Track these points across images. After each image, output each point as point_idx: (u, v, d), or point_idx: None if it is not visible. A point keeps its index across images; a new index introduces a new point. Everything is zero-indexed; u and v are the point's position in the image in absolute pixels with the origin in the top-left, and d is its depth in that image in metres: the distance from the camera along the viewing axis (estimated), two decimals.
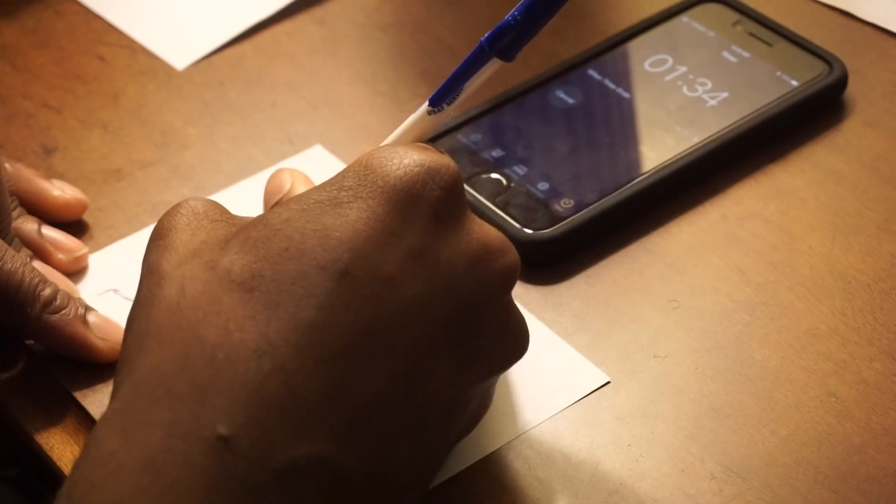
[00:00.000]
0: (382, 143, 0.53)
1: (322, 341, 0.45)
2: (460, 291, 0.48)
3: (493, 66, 0.52)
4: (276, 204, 0.50)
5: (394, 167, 0.48)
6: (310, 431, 0.45)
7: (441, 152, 0.51)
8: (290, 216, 0.47)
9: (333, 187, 0.48)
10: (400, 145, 0.50)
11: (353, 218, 0.47)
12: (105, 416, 0.45)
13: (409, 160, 0.48)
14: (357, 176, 0.48)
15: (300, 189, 0.55)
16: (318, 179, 0.66)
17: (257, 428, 0.44)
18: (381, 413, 0.47)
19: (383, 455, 0.47)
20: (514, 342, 0.51)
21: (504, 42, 0.51)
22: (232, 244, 0.47)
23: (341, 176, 0.49)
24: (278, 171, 0.57)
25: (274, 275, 0.46)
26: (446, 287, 0.48)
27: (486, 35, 0.51)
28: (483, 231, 0.50)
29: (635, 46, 0.70)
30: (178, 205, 0.50)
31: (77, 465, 0.45)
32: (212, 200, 0.51)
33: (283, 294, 0.46)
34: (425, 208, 0.48)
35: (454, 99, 0.52)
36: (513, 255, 0.50)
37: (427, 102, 0.52)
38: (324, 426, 0.45)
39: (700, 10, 0.71)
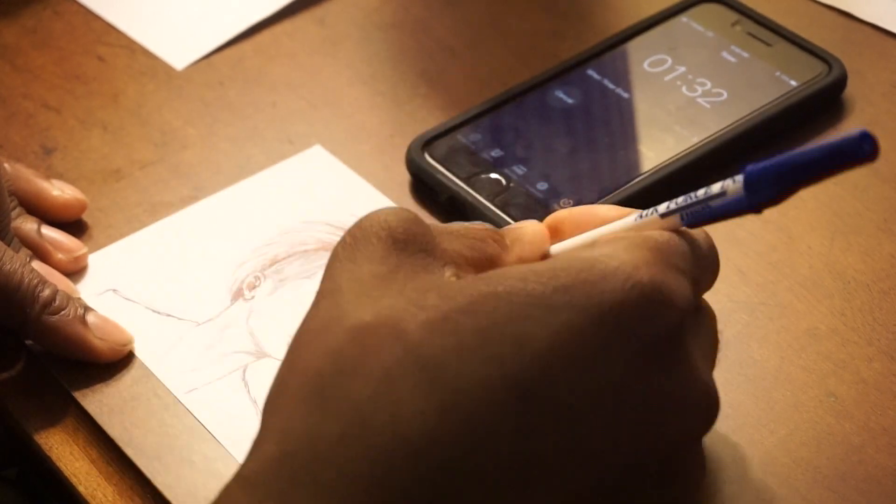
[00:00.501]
0: (603, 229, 0.49)
1: (483, 459, 0.42)
2: (645, 440, 0.45)
3: (743, 213, 0.47)
4: (492, 276, 0.45)
5: (619, 282, 0.44)
6: None
7: (686, 264, 0.47)
8: (497, 306, 0.43)
9: (550, 282, 0.44)
10: (637, 248, 0.46)
11: (555, 330, 0.43)
12: (242, 474, 0.43)
13: (639, 280, 0.44)
14: (577, 278, 0.44)
15: (529, 229, 0.51)
16: (319, 179, 0.66)
17: None
18: None
19: None
20: (687, 490, 0.48)
21: (762, 196, 0.46)
22: (428, 316, 0.43)
23: (560, 270, 0.44)
24: (528, 226, 0.51)
25: (459, 372, 0.42)
26: (630, 431, 0.44)
27: (750, 183, 0.46)
28: (691, 379, 0.46)
29: (635, 46, 0.70)
30: (374, 220, 0.47)
31: None
32: (409, 214, 0.47)
33: (462, 397, 0.42)
34: (637, 342, 0.44)
35: (692, 220, 0.48)
36: (714, 409, 0.47)
37: (679, 219, 0.48)
38: None
39: (699, 10, 0.71)
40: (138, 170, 0.67)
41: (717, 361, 0.57)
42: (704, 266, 0.49)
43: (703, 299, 0.51)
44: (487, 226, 0.50)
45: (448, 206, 0.63)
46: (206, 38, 0.74)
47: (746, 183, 0.45)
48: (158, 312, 0.60)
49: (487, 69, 0.71)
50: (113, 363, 0.58)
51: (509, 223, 0.61)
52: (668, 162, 0.64)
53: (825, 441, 0.54)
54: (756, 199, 0.45)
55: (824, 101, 0.67)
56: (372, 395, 0.42)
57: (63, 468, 0.55)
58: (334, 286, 0.46)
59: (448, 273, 0.46)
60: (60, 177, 0.66)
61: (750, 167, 0.45)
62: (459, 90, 0.70)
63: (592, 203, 0.62)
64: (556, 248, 0.51)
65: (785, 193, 0.45)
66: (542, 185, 0.63)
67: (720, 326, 0.58)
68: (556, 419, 0.43)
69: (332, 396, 0.43)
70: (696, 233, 0.49)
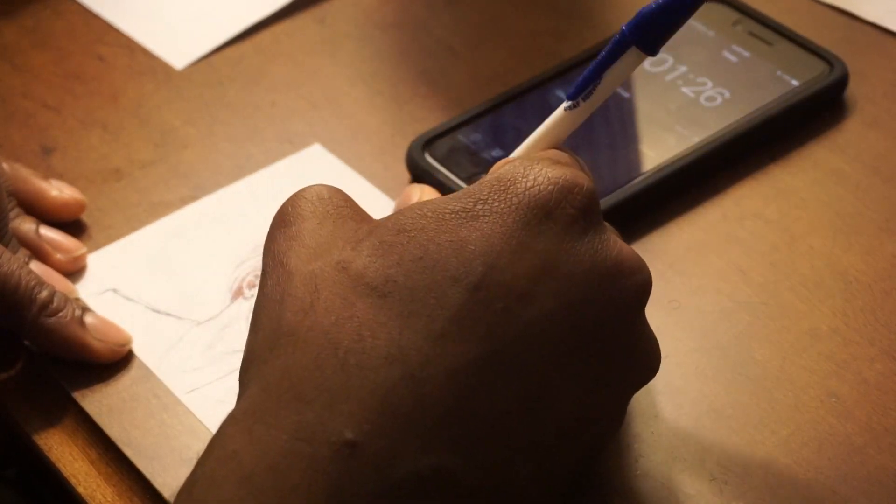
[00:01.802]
0: (522, 147, 0.53)
1: (452, 353, 0.45)
2: (592, 309, 0.48)
3: (635, 60, 0.50)
4: (408, 207, 0.49)
5: (529, 183, 0.48)
6: (434, 443, 0.44)
7: (576, 166, 0.51)
8: (426, 224, 0.47)
9: (469, 199, 0.48)
10: (536, 159, 0.50)
11: (488, 231, 0.47)
12: (232, 415, 0.45)
13: (543, 177, 0.48)
14: (492, 190, 0.48)
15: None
16: (318, 179, 0.66)
17: (384, 436, 0.44)
18: (506, 429, 0.46)
19: (506, 472, 0.46)
20: (644, 363, 0.51)
21: (646, 32, 0.49)
22: (364, 245, 0.47)
23: (476, 188, 0.48)
24: (410, 186, 0.58)
25: (407, 282, 0.46)
26: (578, 305, 0.47)
27: (628, 22, 0.49)
28: (616, 248, 0.49)
29: None
30: (304, 190, 0.51)
31: (200, 462, 0.44)
32: (335, 187, 0.51)
33: (417, 303, 0.45)
34: (558, 226, 0.48)
35: (591, 92, 0.51)
36: (645, 273, 0.50)
37: (566, 98, 0.52)
38: (449, 438, 0.45)
39: (700, 9, 0.71)
40: (138, 170, 0.67)
41: (717, 361, 0.57)
42: (587, 171, 0.52)
43: None
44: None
45: None
46: (206, 37, 0.74)
47: (637, 27, 0.49)
48: (158, 312, 0.60)
49: (487, 69, 0.71)
50: (112, 363, 0.58)
51: None
52: (669, 162, 0.64)
53: (827, 442, 0.54)
54: (650, 48, 0.49)
55: (826, 101, 0.67)
56: (336, 321, 0.45)
57: (62, 469, 0.55)
58: (276, 251, 0.49)
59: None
60: (60, 177, 0.66)
61: (633, 19, 0.49)
62: (459, 90, 0.70)
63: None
64: None
65: (671, 28, 0.49)
66: None
67: (718, 327, 0.58)
68: (510, 306, 0.46)
69: (299, 331, 0.46)
70: (574, 154, 0.53)
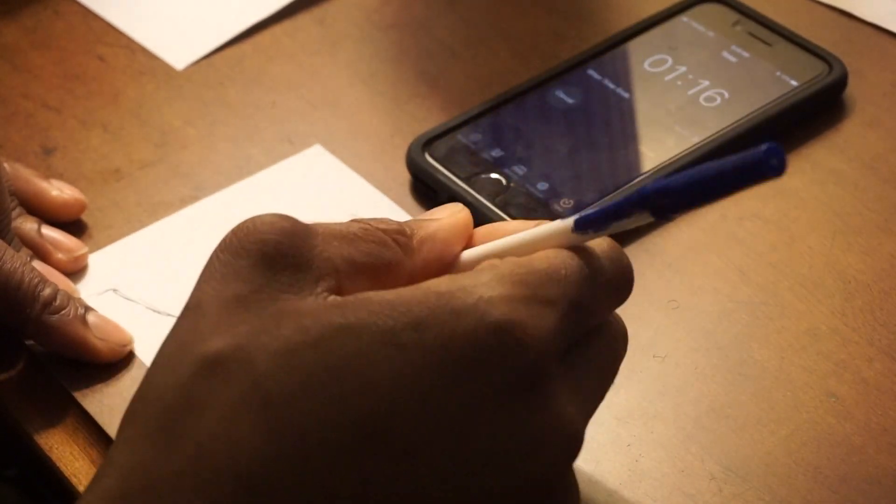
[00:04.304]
0: (505, 242, 0.48)
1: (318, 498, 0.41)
2: (498, 481, 0.43)
3: (644, 219, 0.45)
4: (349, 308, 0.43)
5: (469, 322, 0.43)
6: None
7: (561, 300, 0.44)
8: (345, 343, 0.42)
9: (403, 319, 0.43)
10: (505, 281, 0.44)
11: (407, 371, 0.42)
12: (87, 501, 0.42)
13: (490, 319, 0.43)
14: (432, 313, 0.43)
15: (442, 230, 0.49)
16: (319, 179, 0.66)
17: None
18: None
19: None
20: None
21: (662, 203, 0.44)
22: (279, 349, 0.42)
23: (418, 306, 0.43)
24: (455, 204, 0.50)
25: (301, 411, 0.41)
26: (480, 476, 0.43)
27: (647, 187, 0.44)
28: (548, 421, 0.44)
29: (635, 46, 0.70)
30: (250, 234, 0.45)
31: None
32: (286, 227, 0.45)
33: (303, 440, 0.41)
34: (485, 386, 0.43)
35: (595, 235, 0.46)
36: (578, 444, 0.45)
37: (573, 221, 0.47)
38: None
39: (700, 10, 0.71)
40: (138, 170, 0.67)
41: (717, 361, 0.57)
42: (605, 285, 0.47)
43: (616, 315, 0.48)
44: (395, 223, 0.48)
45: None
46: (206, 38, 0.74)
47: (651, 199, 0.44)
48: (159, 312, 0.60)
49: (487, 69, 0.71)
50: (113, 363, 0.58)
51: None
52: (668, 162, 0.64)
53: (826, 441, 0.54)
54: (661, 216, 0.44)
55: (825, 101, 0.67)
56: (214, 433, 0.42)
57: (63, 468, 0.55)
58: (198, 304, 0.44)
59: (321, 289, 0.45)
60: (60, 177, 0.66)
61: (655, 184, 0.44)
62: (459, 90, 0.70)
63: (593, 203, 0.62)
64: (467, 255, 0.49)
65: (689, 208, 0.44)
66: (543, 185, 0.63)
67: (718, 327, 0.58)
68: (399, 463, 0.42)
69: (176, 433, 0.42)
70: (602, 248, 0.47)
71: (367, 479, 0.42)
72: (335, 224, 0.47)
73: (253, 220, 0.45)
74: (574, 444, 0.45)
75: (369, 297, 0.44)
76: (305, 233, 0.45)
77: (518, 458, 0.43)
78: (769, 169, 0.41)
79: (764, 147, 0.41)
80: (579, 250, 0.47)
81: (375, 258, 0.47)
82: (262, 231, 0.45)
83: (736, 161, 0.42)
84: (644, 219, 0.45)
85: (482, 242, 0.49)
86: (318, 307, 0.43)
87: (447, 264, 0.49)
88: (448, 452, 0.42)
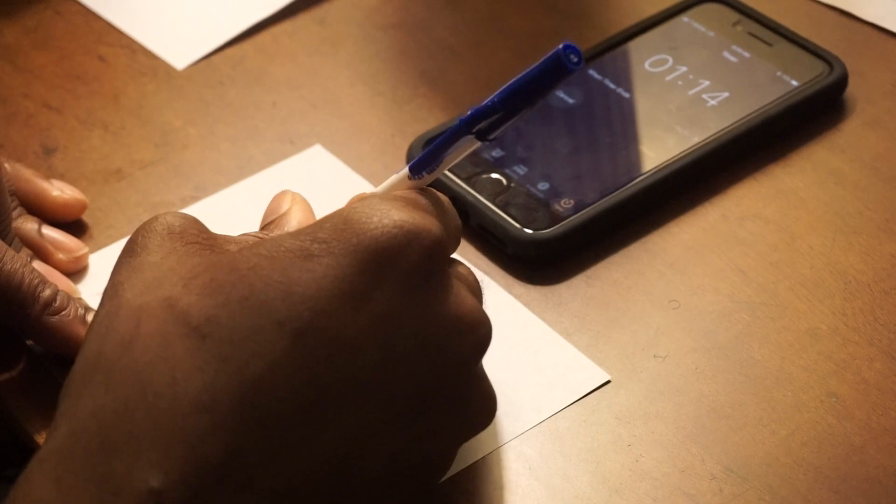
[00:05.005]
0: (381, 187, 0.52)
1: (268, 402, 0.44)
2: (425, 364, 0.47)
3: (470, 144, 0.50)
4: (250, 245, 0.48)
5: (371, 225, 0.46)
6: (244, 495, 0.44)
7: (431, 211, 0.49)
8: (258, 262, 0.46)
9: (307, 237, 0.46)
10: (387, 200, 0.48)
11: (320, 274, 0.45)
12: (40, 457, 0.44)
13: (389, 220, 0.47)
14: (334, 229, 0.46)
15: (295, 217, 0.54)
16: (319, 179, 0.66)
17: (189, 487, 0.43)
18: (322, 482, 0.45)
19: None
20: (477, 414, 0.50)
21: (482, 125, 0.49)
22: (196, 283, 0.45)
23: (318, 225, 0.47)
24: (281, 193, 0.56)
25: (230, 324, 0.44)
26: (410, 358, 0.46)
27: (466, 115, 0.50)
28: (458, 302, 0.48)
29: (635, 46, 0.70)
30: (155, 219, 0.49)
31: None
32: (190, 217, 0.49)
33: (236, 346, 0.44)
34: (398, 273, 0.46)
35: (433, 169, 0.51)
36: (486, 328, 0.49)
37: (408, 168, 0.51)
38: (260, 491, 0.44)
39: (700, 10, 0.71)
40: (139, 170, 0.67)
41: (717, 361, 0.57)
42: (448, 215, 0.51)
43: (457, 259, 0.52)
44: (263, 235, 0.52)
45: None
46: (207, 38, 0.74)
47: (470, 123, 0.49)
48: None
49: (487, 69, 0.71)
50: None
51: (510, 223, 0.61)
52: (668, 162, 0.64)
53: (826, 441, 0.54)
54: (484, 137, 0.49)
55: (825, 101, 0.67)
56: (150, 361, 0.44)
57: None
58: (116, 282, 0.47)
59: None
60: (61, 177, 0.66)
61: (471, 110, 0.49)
62: (459, 90, 0.70)
63: (593, 203, 0.62)
64: None
65: (506, 122, 0.49)
66: (543, 185, 0.63)
67: (718, 327, 0.58)
68: (334, 354, 0.45)
69: (114, 370, 0.44)
70: (438, 195, 0.52)
71: (306, 373, 0.44)
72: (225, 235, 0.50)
73: (158, 214, 0.49)
74: (483, 330, 0.49)
75: (274, 236, 0.47)
76: (205, 227, 0.50)
77: (442, 336, 0.47)
78: (569, 63, 0.46)
79: (561, 46, 0.46)
80: (426, 191, 0.51)
81: None
82: (167, 217, 0.49)
83: (537, 66, 0.47)
84: (471, 143, 0.50)
85: None
86: (225, 253, 0.47)
87: None
88: (379, 340, 0.46)
